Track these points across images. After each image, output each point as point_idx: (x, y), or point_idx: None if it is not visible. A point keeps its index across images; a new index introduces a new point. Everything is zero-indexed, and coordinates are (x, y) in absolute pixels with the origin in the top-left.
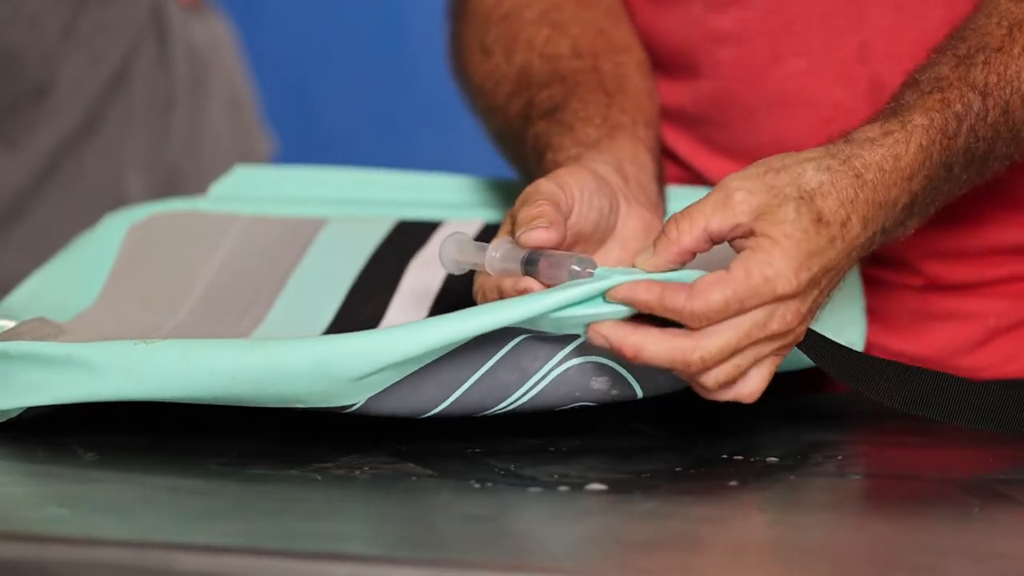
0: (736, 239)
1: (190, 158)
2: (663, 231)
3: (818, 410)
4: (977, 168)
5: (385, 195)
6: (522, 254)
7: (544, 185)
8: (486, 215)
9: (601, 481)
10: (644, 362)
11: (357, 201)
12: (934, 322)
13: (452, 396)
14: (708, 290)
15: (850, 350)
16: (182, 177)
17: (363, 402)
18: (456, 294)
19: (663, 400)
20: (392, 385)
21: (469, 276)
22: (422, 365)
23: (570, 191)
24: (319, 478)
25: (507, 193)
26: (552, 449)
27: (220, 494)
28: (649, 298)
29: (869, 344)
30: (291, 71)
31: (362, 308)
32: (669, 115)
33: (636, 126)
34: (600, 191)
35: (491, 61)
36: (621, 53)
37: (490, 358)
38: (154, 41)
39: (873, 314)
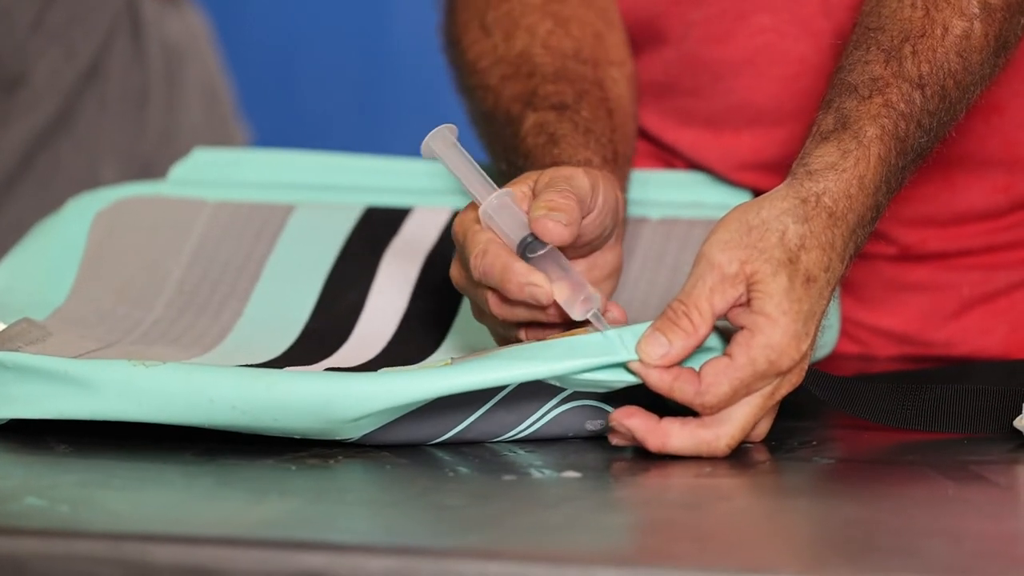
0: (733, 308)
1: (166, 151)
2: (672, 321)
3: (791, 396)
4: (923, 156)
5: (351, 180)
6: (525, 233)
7: (580, 179)
8: (456, 202)
9: (575, 469)
10: (670, 453)
11: (323, 186)
12: (908, 293)
13: (449, 433)
14: (716, 383)
15: (847, 379)
16: (158, 170)
17: (359, 437)
18: (435, 285)
19: (636, 390)
20: (390, 422)
21: (444, 267)
22: (420, 406)
23: (597, 196)
24: (294, 468)
25: None
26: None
27: (194, 485)
28: (660, 385)
29: (844, 319)
30: (270, 62)
31: (341, 299)
32: (640, 90)
33: (628, 161)
34: (613, 213)
35: (489, 40)
36: (614, 66)
37: (490, 399)
38: (128, 34)
39: (848, 287)
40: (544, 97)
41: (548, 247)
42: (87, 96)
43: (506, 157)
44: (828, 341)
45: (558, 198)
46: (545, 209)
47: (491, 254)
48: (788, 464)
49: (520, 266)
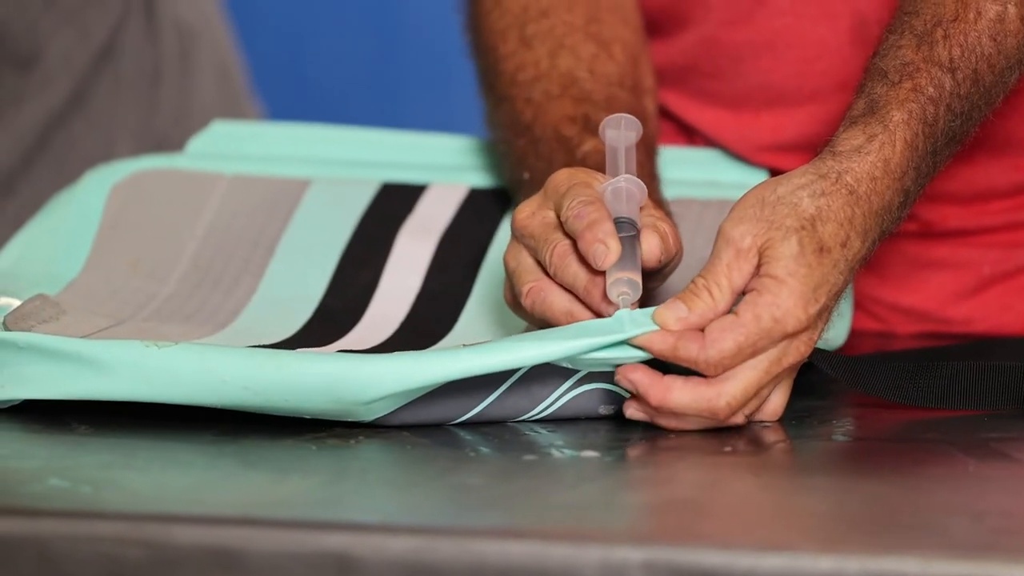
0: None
1: (179, 130)
2: (694, 294)
3: (809, 376)
4: (958, 141)
5: (368, 155)
6: (621, 215)
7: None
8: (472, 179)
9: (594, 448)
10: (670, 409)
11: (340, 161)
12: (928, 271)
13: (462, 417)
14: (721, 338)
15: (862, 358)
16: (171, 149)
17: (372, 419)
18: (448, 264)
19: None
20: (402, 405)
21: (459, 245)
22: (432, 389)
23: (675, 254)
24: (315, 448)
25: (494, 156)
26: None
27: (216, 465)
28: (664, 348)
29: (863, 296)
30: (284, 40)
31: (355, 278)
32: (661, 74)
33: (658, 183)
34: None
35: (531, 54)
36: (647, 94)
37: (502, 383)
38: (141, 14)
39: (869, 265)
40: (597, 124)
41: (632, 233)
42: (101, 76)
43: (542, 170)
44: (837, 335)
45: (672, 238)
46: (660, 232)
47: (597, 207)
48: (807, 443)
49: (610, 227)
